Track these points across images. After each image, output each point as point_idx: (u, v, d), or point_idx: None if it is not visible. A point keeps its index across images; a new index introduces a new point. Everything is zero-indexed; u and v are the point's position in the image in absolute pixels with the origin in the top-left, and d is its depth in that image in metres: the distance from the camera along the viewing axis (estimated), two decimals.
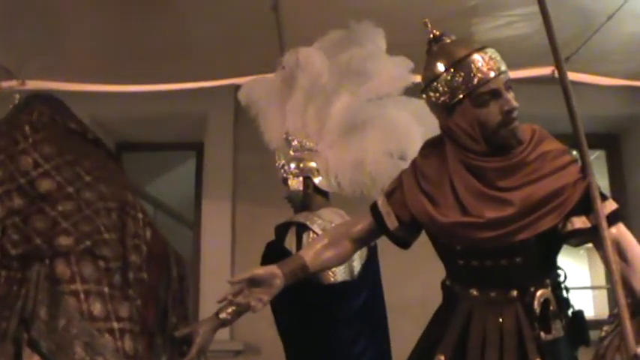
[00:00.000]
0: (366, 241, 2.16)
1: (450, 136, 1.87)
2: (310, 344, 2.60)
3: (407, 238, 2.05)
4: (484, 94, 1.78)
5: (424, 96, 1.89)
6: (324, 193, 2.82)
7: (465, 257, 1.89)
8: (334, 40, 2.87)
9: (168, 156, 5.41)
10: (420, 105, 2.58)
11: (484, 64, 1.78)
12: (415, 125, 2.69)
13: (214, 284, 3.77)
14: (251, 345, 4.24)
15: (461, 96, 1.79)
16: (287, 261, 2.03)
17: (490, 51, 1.82)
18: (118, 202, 2.05)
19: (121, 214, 2.04)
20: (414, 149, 2.15)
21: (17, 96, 2.32)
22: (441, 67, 1.83)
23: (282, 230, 2.75)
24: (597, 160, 4.72)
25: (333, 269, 2.55)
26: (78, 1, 3.28)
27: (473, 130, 1.80)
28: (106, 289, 1.90)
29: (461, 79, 1.78)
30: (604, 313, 4.90)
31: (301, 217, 2.72)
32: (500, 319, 1.84)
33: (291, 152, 2.82)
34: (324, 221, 2.65)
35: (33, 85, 3.84)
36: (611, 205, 1.81)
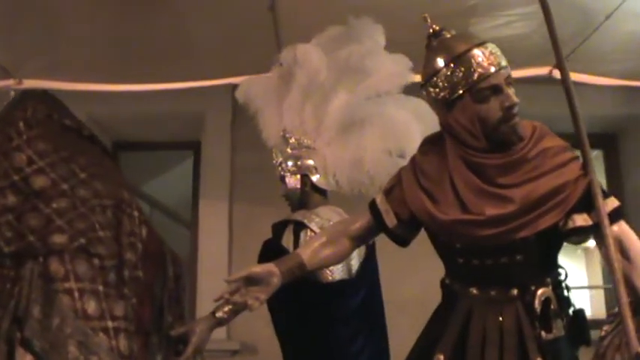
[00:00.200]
0: (364, 239, 2.13)
1: (450, 133, 1.85)
2: (308, 343, 2.58)
3: (406, 235, 2.02)
4: (484, 89, 1.75)
5: (424, 92, 1.87)
6: (321, 191, 2.80)
7: (465, 255, 1.86)
8: (332, 36, 2.85)
9: (165, 155, 5.41)
10: (418, 103, 2.58)
11: (484, 59, 1.76)
12: (414, 123, 2.67)
13: (212, 284, 3.74)
14: (248, 344, 4.23)
15: (461, 91, 1.77)
16: (284, 259, 2.00)
17: (490, 46, 1.79)
18: (113, 200, 2.02)
19: (116, 212, 2.01)
20: (413, 147, 2.12)
21: (12, 93, 2.30)
22: (440, 62, 1.80)
23: (279, 228, 2.73)
24: (595, 159, 4.67)
25: (331, 268, 2.53)
26: (78, 1, 3.28)
27: (473, 126, 1.78)
28: (101, 288, 1.87)
29: (461, 74, 1.76)
30: (601, 313, 4.90)
31: (299, 215, 2.70)
32: (501, 318, 1.82)
33: (289, 150, 2.80)
34: (322, 219, 2.63)
35: (30, 84, 3.84)
36: (612, 203, 1.79)
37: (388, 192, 2.00)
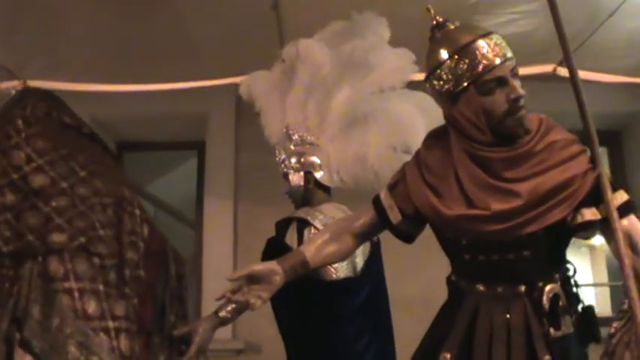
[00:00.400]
0: (368, 235, 2.10)
1: (455, 126, 1.81)
2: (312, 341, 2.55)
3: (411, 232, 1.99)
4: (489, 81, 1.71)
5: (427, 85, 1.84)
6: (325, 188, 2.77)
7: (471, 251, 1.83)
8: (335, 31, 2.82)
9: (169, 155, 5.41)
10: (423, 97, 2.54)
11: (489, 51, 1.72)
12: (419, 118, 2.63)
13: (216, 284, 3.71)
14: (252, 344, 4.22)
15: (465, 84, 1.73)
16: (287, 257, 1.97)
17: (495, 37, 1.75)
18: (114, 198, 2.01)
19: (117, 210, 2.00)
20: (417, 142, 2.09)
21: (14, 92, 2.29)
22: (444, 54, 1.76)
23: (282, 226, 2.69)
24: None
25: (335, 265, 2.50)
26: (79, 1, 3.27)
27: (478, 119, 1.74)
28: (101, 287, 1.85)
29: (465, 66, 1.72)
30: (607, 310, 4.87)
31: (302, 213, 2.67)
32: (508, 315, 1.78)
33: (292, 147, 2.77)
34: (326, 217, 2.60)
35: (35, 85, 3.83)
36: (622, 197, 1.75)
37: (392, 187, 1.97)
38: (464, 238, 1.82)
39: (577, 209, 1.73)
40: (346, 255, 2.10)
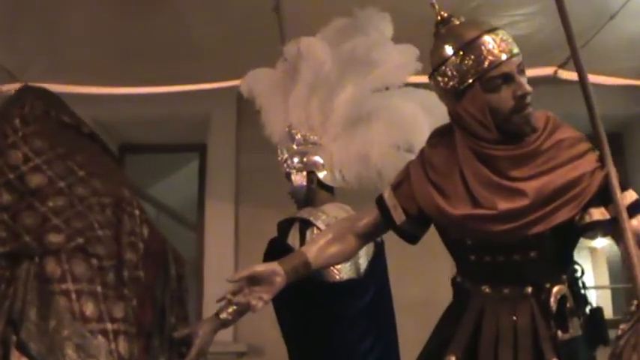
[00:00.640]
0: (371, 236, 2.06)
1: (460, 124, 1.77)
2: (314, 343, 2.51)
3: (415, 232, 1.95)
4: (495, 78, 1.67)
5: (432, 81, 1.80)
6: (328, 188, 2.73)
7: (477, 252, 1.79)
8: (338, 29, 2.79)
9: (171, 158, 5.41)
10: (427, 95, 2.51)
11: (495, 46, 1.68)
12: (422, 115, 2.60)
13: (218, 286, 3.68)
14: (254, 346, 4.22)
15: (471, 80, 1.69)
16: (289, 257, 1.93)
17: (501, 32, 1.72)
18: (113, 198, 1.98)
19: (116, 211, 1.97)
20: (420, 140, 2.06)
21: (12, 91, 2.27)
22: (449, 50, 1.72)
23: (285, 226, 2.66)
24: None
25: (339, 266, 2.47)
26: (81, 3, 3.27)
27: (484, 117, 1.70)
28: (99, 289, 1.82)
29: (470, 62, 1.68)
30: (608, 313, 4.85)
31: (305, 213, 2.64)
32: (514, 317, 1.75)
33: (295, 146, 2.74)
34: (329, 217, 2.57)
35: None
36: (631, 196, 1.71)
37: (396, 187, 1.93)
38: (469, 239, 1.79)
39: (585, 209, 1.69)
40: (349, 256, 2.06)
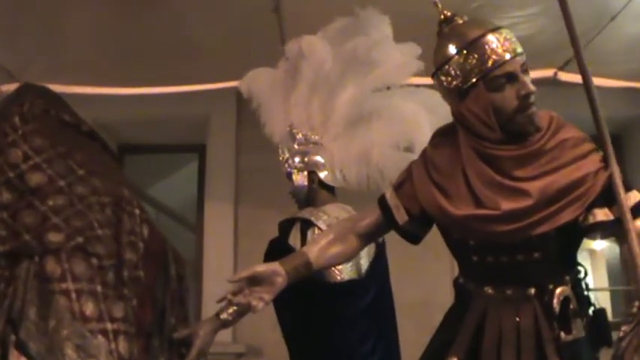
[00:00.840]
0: (373, 236, 2.04)
1: (463, 123, 1.76)
2: (315, 344, 2.51)
3: (417, 232, 1.94)
4: (499, 77, 1.66)
5: (435, 81, 1.79)
6: (329, 188, 2.73)
7: (479, 253, 1.78)
8: (338, 28, 2.78)
9: (170, 158, 5.42)
10: (429, 94, 2.50)
11: (499, 46, 1.67)
12: (423, 115, 2.60)
13: (217, 287, 3.68)
14: (253, 347, 4.21)
15: (474, 79, 1.67)
16: (290, 258, 1.91)
17: (505, 31, 1.70)
18: (112, 197, 1.96)
19: (115, 210, 1.95)
20: (421, 140, 2.05)
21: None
22: (452, 49, 1.71)
23: (286, 226, 2.65)
24: None
25: (340, 267, 2.47)
26: (81, 4, 3.28)
27: (487, 116, 1.69)
28: (99, 288, 1.80)
29: (474, 61, 1.67)
30: (607, 315, 4.85)
31: (306, 213, 2.63)
32: (517, 318, 1.74)
33: (296, 146, 2.73)
34: (330, 217, 2.56)
35: None
36: (635, 196, 1.70)
37: (398, 187, 1.92)
38: (472, 239, 1.78)
39: (589, 209, 1.68)
40: (351, 256, 2.05)
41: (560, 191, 1.66)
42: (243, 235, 4.44)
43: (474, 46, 1.68)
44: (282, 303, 2.32)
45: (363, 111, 2.69)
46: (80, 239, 1.81)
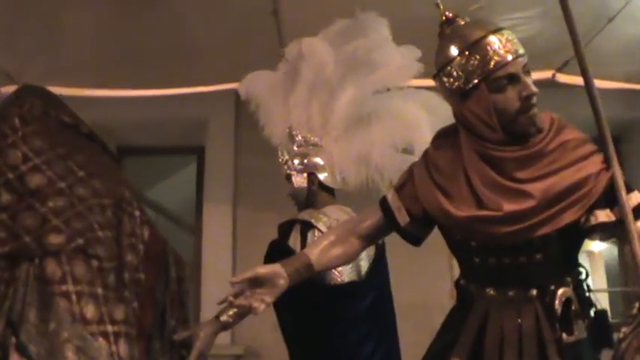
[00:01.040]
0: (374, 238, 2.04)
1: (465, 125, 1.76)
2: (315, 346, 2.50)
3: (418, 234, 1.94)
4: (501, 78, 1.66)
5: (437, 82, 1.79)
6: (329, 190, 2.72)
7: (481, 254, 1.78)
8: (338, 30, 2.78)
9: (169, 160, 5.41)
10: (429, 96, 2.50)
11: (501, 47, 1.67)
12: (423, 116, 2.59)
13: (216, 290, 3.69)
14: (252, 349, 4.19)
15: (476, 81, 1.67)
16: (291, 259, 1.91)
17: (507, 33, 1.71)
18: (113, 199, 1.95)
19: (116, 211, 1.95)
20: (421, 141, 2.05)
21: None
22: (454, 50, 1.71)
23: (286, 228, 2.65)
24: None
25: (340, 269, 2.46)
26: (80, 6, 3.27)
27: (489, 118, 1.69)
28: (100, 291, 1.80)
29: (476, 62, 1.66)
30: None
31: (306, 215, 2.62)
32: (519, 320, 1.73)
33: (295, 148, 2.73)
34: (330, 219, 2.56)
35: None
36: (636, 198, 1.70)
37: (400, 188, 1.92)
38: (474, 240, 1.77)
39: (590, 210, 1.68)
40: (352, 258, 2.04)
41: (562, 193, 1.66)
42: (241, 238, 4.42)
43: (476, 47, 1.68)
44: (283, 305, 2.31)
45: (362, 113, 2.68)
46: (81, 241, 1.81)
